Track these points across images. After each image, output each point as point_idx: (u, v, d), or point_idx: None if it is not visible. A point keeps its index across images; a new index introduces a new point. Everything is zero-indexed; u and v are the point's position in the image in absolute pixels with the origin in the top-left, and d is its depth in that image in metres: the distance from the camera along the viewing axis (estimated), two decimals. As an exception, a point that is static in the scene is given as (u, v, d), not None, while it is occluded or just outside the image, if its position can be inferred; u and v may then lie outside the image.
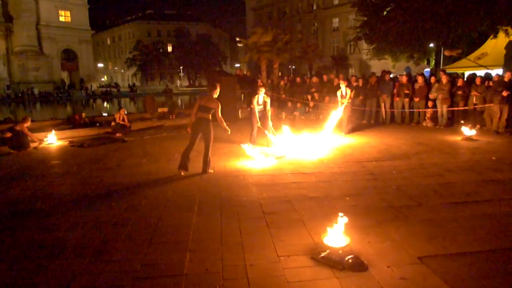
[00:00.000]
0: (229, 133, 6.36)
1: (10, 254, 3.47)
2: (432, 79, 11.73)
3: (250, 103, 8.85)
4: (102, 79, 74.28)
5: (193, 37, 65.48)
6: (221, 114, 6.21)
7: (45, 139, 9.49)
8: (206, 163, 6.25)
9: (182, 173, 6.12)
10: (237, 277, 2.99)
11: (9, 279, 3.05)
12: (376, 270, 3.05)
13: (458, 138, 8.97)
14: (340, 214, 3.40)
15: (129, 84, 59.54)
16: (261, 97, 8.26)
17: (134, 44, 65.86)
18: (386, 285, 2.84)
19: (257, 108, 8.26)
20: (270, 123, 8.38)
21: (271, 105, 8.49)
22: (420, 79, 11.45)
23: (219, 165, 6.77)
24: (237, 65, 62.79)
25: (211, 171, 6.26)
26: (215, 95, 6.19)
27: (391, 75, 13.18)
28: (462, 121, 10.40)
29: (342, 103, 9.60)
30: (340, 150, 8.02)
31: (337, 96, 9.72)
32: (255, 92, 8.51)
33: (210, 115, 6.12)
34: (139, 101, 33.06)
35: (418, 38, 16.95)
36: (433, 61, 19.40)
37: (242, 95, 14.91)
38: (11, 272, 3.16)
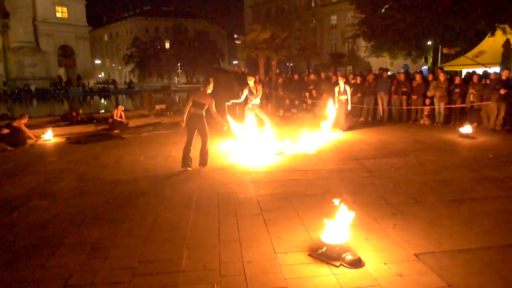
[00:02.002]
0: (226, 128, 6.35)
1: (8, 251, 3.46)
2: (430, 77, 11.75)
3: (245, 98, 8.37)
4: (100, 76, 74.00)
5: (191, 34, 65.23)
6: (219, 111, 6.20)
7: (42, 136, 9.45)
8: (203, 157, 6.29)
9: (189, 169, 6.14)
10: (235, 273, 3.00)
11: (7, 276, 3.04)
12: (373, 267, 3.06)
13: (455, 135, 9.00)
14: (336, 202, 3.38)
15: (125, 81, 59.30)
16: (252, 85, 8.01)
17: (132, 40, 65.58)
18: (383, 281, 2.86)
19: (252, 102, 8.06)
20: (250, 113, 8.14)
21: (269, 102, 8.47)
22: (418, 77, 11.48)
23: (217, 162, 6.77)
24: (235, 62, 62.66)
25: (207, 165, 6.30)
26: (209, 91, 6.17)
27: (389, 73, 13.19)
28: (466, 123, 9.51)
29: (340, 100, 9.65)
30: (338, 147, 8.03)
31: (334, 93, 9.76)
32: (245, 86, 8.24)
33: (204, 111, 6.12)
34: (137, 98, 32.97)
35: (416, 35, 16.95)
36: (431, 58, 19.43)
37: (240, 92, 14.88)
38: (9, 269, 3.15)
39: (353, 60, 41.23)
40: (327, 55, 43.65)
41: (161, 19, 73.16)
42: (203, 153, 6.28)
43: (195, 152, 6.32)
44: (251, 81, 8.08)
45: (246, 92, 8.01)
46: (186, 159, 6.17)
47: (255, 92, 8.03)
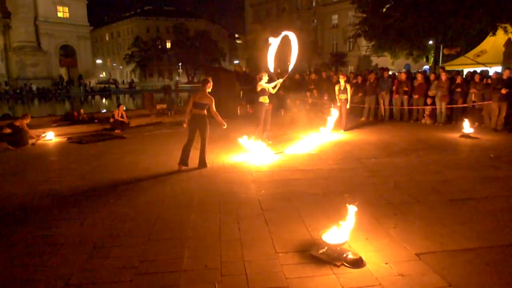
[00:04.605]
0: (225, 127, 6.34)
1: (10, 251, 3.48)
2: (432, 77, 11.74)
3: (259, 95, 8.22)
4: (101, 76, 74.06)
5: (192, 34, 65.21)
6: (220, 111, 6.20)
7: (43, 135, 9.47)
8: (203, 158, 6.31)
9: (182, 168, 6.14)
10: (236, 273, 3.00)
11: (9, 275, 3.05)
12: (374, 267, 3.06)
13: (456, 135, 8.99)
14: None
15: (123, 81, 59.33)
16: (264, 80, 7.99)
17: (133, 40, 65.60)
18: (384, 281, 2.85)
19: (263, 100, 8.07)
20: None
21: (270, 101, 8.45)
22: (419, 76, 11.46)
23: (218, 161, 6.77)
24: (236, 61, 62.67)
25: (207, 165, 6.32)
26: (209, 90, 6.19)
27: (390, 72, 13.20)
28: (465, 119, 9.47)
29: (340, 99, 9.66)
30: (339, 147, 8.03)
31: (335, 91, 9.78)
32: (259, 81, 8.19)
33: (206, 111, 6.14)
34: (138, 98, 33.02)
35: (417, 35, 16.93)
36: (432, 58, 19.41)
37: (241, 92, 14.89)
38: (10, 268, 3.16)
39: (363, 61, 41.01)
40: (328, 55, 43.62)
41: (162, 18, 73.15)
42: (202, 154, 6.30)
43: (195, 153, 6.33)
44: (265, 77, 8.11)
45: (260, 87, 8.04)
46: (184, 158, 6.19)
47: (266, 89, 8.07)
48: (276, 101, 13.84)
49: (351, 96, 10.04)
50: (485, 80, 10.50)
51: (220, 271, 3.03)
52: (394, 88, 11.74)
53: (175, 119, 12.50)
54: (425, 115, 11.27)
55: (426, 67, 21.49)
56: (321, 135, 8.81)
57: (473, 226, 3.84)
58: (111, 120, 10.78)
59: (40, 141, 9.19)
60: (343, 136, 9.37)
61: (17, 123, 8.73)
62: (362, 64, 38.47)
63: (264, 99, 8.10)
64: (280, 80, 8.10)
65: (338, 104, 9.69)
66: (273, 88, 8.07)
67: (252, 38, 17.84)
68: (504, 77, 9.67)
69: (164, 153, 7.55)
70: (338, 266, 3.05)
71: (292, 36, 7.26)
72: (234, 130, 8.33)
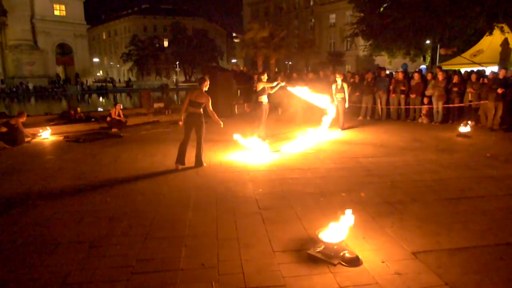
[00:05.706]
0: (222, 126, 6.34)
1: (6, 250, 3.46)
2: (428, 76, 11.77)
3: (259, 95, 8.33)
4: (98, 74, 73.78)
5: (190, 32, 65.07)
6: (217, 109, 6.19)
7: (38, 134, 9.42)
8: (199, 157, 6.30)
9: (179, 167, 6.13)
10: (233, 272, 3.00)
11: (5, 274, 3.04)
12: (371, 265, 3.07)
13: (453, 134, 9.02)
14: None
15: (120, 79, 59.12)
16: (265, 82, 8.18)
17: (130, 39, 65.35)
18: (380, 280, 2.86)
19: (263, 100, 8.15)
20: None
21: (268, 101, 8.47)
22: (416, 76, 11.49)
23: (215, 160, 6.77)
24: (234, 60, 62.58)
25: (204, 164, 6.32)
26: (205, 89, 6.18)
27: (387, 72, 13.21)
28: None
29: (337, 98, 9.68)
30: (336, 146, 8.04)
31: (332, 90, 9.80)
32: (259, 81, 8.26)
33: (202, 109, 6.14)
34: (135, 96, 32.93)
35: (415, 34, 16.98)
36: (429, 58, 19.48)
37: (239, 91, 14.88)
38: (7, 268, 3.15)
39: (363, 60, 40.92)
40: (326, 54, 43.63)
41: (160, 17, 72.94)
42: (198, 153, 6.30)
43: (192, 151, 6.32)
44: (264, 77, 8.17)
45: (261, 86, 8.12)
46: (181, 156, 6.19)
47: (266, 88, 8.14)
48: (273, 100, 13.88)
49: (349, 95, 10.06)
50: (481, 79, 10.54)
51: (217, 270, 3.03)
52: (391, 87, 11.76)
53: (172, 118, 12.45)
54: (422, 114, 11.30)
55: (423, 66, 21.57)
56: (318, 134, 8.80)
57: (470, 225, 3.86)
58: (108, 119, 10.74)
59: (36, 140, 9.14)
60: (340, 135, 9.38)
61: (13, 122, 8.68)
62: (362, 64, 38.49)
63: (264, 99, 8.17)
64: (282, 84, 8.22)
65: (335, 103, 9.70)
66: (271, 88, 8.17)
67: (250, 37, 17.85)
68: (500, 76, 9.72)
69: (161, 152, 7.54)
70: (335, 265, 3.06)
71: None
72: (231, 129, 8.32)
